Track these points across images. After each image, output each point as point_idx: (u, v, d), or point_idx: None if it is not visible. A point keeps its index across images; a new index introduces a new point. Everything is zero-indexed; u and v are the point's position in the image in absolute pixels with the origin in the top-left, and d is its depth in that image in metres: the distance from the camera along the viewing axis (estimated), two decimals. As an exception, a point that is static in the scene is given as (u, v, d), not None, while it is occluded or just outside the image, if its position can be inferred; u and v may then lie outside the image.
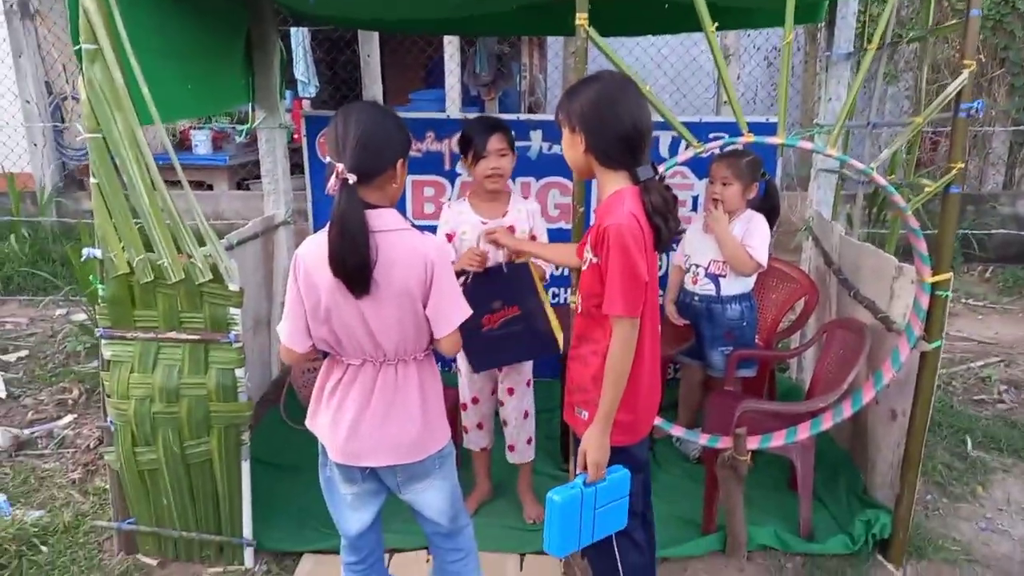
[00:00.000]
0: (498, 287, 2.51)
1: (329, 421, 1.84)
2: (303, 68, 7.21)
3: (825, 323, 3.10)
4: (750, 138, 2.23)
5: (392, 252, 1.69)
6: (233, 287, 2.28)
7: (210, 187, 7.50)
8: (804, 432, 2.48)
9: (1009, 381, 4.09)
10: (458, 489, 2.00)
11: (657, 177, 1.78)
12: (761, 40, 6.77)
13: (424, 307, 1.76)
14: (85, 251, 2.29)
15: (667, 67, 6.43)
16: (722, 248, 3.00)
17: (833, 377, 2.77)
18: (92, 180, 2.21)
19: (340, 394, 1.82)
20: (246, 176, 7.60)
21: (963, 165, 2.23)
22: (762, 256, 2.96)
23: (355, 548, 2.00)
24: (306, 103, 7.32)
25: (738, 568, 2.55)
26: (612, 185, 1.81)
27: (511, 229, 2.59)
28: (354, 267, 1.65)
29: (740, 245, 2.97)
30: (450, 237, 2.63)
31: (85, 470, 3.10)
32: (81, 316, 4.84)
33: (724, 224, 2.99)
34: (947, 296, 2.33)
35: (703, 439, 2.52)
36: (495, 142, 2.48)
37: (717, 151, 2.77)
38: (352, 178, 1.64)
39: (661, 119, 3.66)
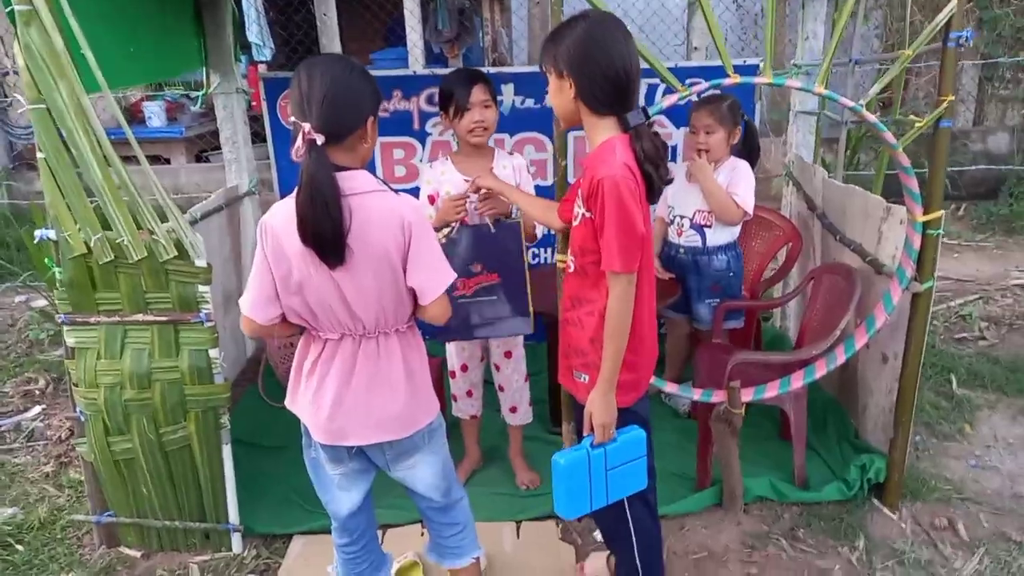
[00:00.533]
0: (482, 249, 2.39)
1: (310, 400, 1.73)
2: (256, 31, 6.88)
3: (811, 269, 3.05)
4: (737, 79, 2.13)
5: (366, 215, 1.57)
6: (200, 263, 2.15)
7: (167, 161, 7.22)
8: (798, 381, 2.45)
9: (988, 318, 4.11)
10: (450, 462, 1.93)
11: (647, 122, 1.67)
12: (729, -17, 6.62)
13: (404, 273, 1.64)
14: (38, 233, 2.14)
15: (635, 14, 6.25)
16: (708, 198, 2.92)
17: (822, 324, 2.74)
18: (39, 155, 2.06)
19: (320, 371, 1.71)
20: (204, 148, 7.34)
21: (953, 97, 2.16)
22: (749, 204, 2.88)
23: (347, 529, 1.92)
24: (262, 67, 7.04)
25: (735, 521, 2.53)
26: (602, 133, 1.70)
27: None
28: (326, 235, 1.52)
29: (727, 194, 2.89)
30: (432, 199, 2.51)
31: (58, 463, 2.97)
32: (41, 302, 4.65)
33: (709, 173, 2.91)
34: (939, 235, 2.28)
35: (696, 394, 2.47)
36: (478, 93, 2.35)
37: (695, 99, 2.67)
38: (320, 138, 1.51)
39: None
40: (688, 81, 3.37)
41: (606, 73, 1.63)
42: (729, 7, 6.71)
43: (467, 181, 2.46)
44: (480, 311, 2.44)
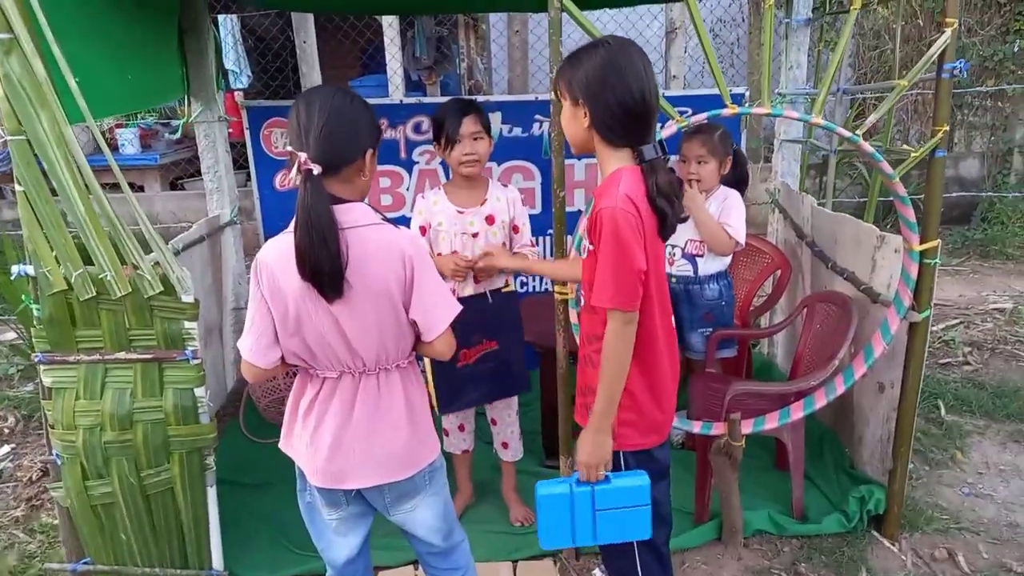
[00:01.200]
0: (483, 319, 2.39)
1: (307, 442, 1.66)
2: (234, 58, 6.85)
3: (804, 298, 3.05)
4: (735, 109, 2.12)
5: (364, 249, 1.52)
6: (187, 298, 2.07)
7: (141, 188, 7.09)
8: (798, 412, 2.42)
9: (971, 342, 4.15)
10: (451, 503, 1.86)
11: (662, 157, 1.61)
12: (705, 12, 6.73)
13: (407, 309, 1.59)
14: (15, 268, 2.04)
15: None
16: (700, 229, 2.91)
17: (817, 353, 2.72)
18: (17, 187, 1.97)
19: (317, 411, 1.64)
20: (179, 175, 7.23)
21: (947, 127, 2.18)
22: (741, 234, 2.87)
23: None
24: (238, 95, 6.98)
25: (736, 556, 2.48)
26: (613, 164, 1.64)
27: (490, 219, 2.44)
28: (324, 267, 1.47)
29: (719, 225, 2.88)
30: (423, 230, 2.46)
31: (28, 506, 2.84)
32: (10, 335, 4.48)
33: (701, 204, 2.90)
34: (936, 264, 2.28)
35: (696, 427, 2.44)
36: (468, 125, 2.33)
37: (687, 129, 2.67)
38: (316, 168, 1.46)
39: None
40: (680, 110, 3.41)
41: (624, 103, 1.56)
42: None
43: (460, 212, 2.42)
44: (482, 378, 2.47)
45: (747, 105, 2.36)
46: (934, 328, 4.32)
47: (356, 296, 1.53)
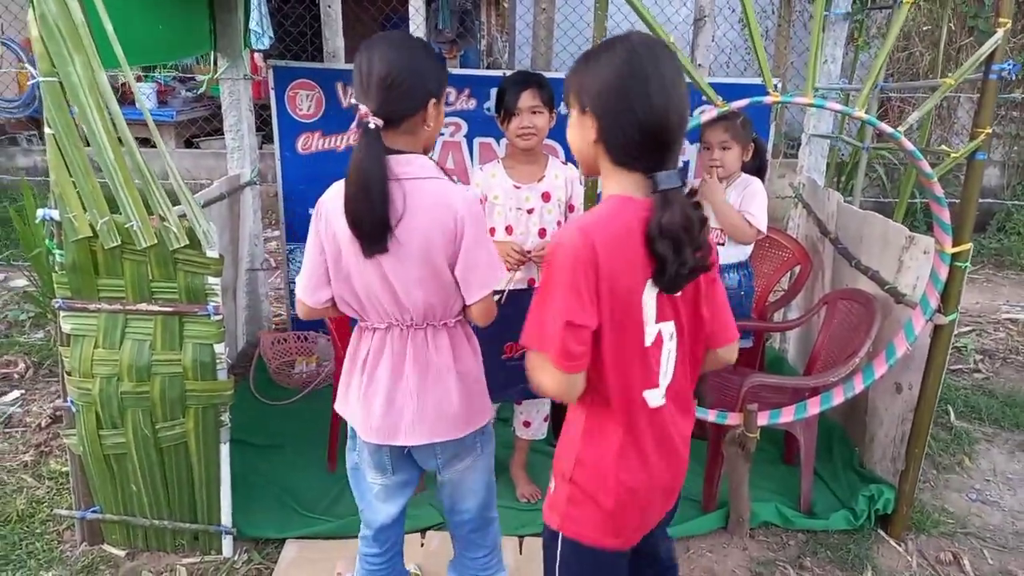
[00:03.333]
0: (512, 319, 2.37)
1: (360, 397, 1.67)
2: (257, 18, 6.77)
3: (825, 294, 3.03)
4: (777, 97, 2.09)
5: (418, 202, 1.51)
6: (212, 254, 2.05)
7: (154, 145, 7.06)
8: (815, 408, 2.41)
9: (983, 351, 4.14)
10: (494, 478, 1.86)
11: (686, 189, 1.27)
12: (736, 1, 6.64)
13: (452, 268, 1.57)
14: (40, 212, 2.03)
15: (640, 27, 6.26)
16: (720, 218, 2.88)
17: (836, 350, 2.71)
18: (47, 131, 1.95)
19: (370, 364, 1.65)
20: (196, 133, 7.19)
21: (991, 131, 2.15)
22: (762, 223, 2.85)
23: (377, 541, 1.84)
24: (258, 56, 6.92)
25: (742, 547, 2.48)
26: (612, 188, 1.32)
27: (546, 196, 2.43)
28: (366, 224, 1.48)
29: (739, 214, 2.85)
30: (480, 201, 2.45)
31: (37, 452, 2.84)
32: (21, 282, 4.48)
33: (721, 193, 2.87)
34: (966, 268, 2.26)
35: (711, 415, 2.42)
36: (527, 98, 2.32)
37: (710, 117, 2.63)
38: (377, 123, 1.46)
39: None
40: (703, 98, 3.36)
41: (642, 119, 1.24)
42: (735, 26, 6.74)
43: (517, 188, 2.42)
44: (523, 374, 2.42)
45: (786, 95, 2.32)
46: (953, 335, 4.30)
47: (403, 248, 1.53)
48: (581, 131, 1.32)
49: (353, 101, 1.50)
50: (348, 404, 1.72)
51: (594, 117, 1.28)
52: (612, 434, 1.34)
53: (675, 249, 1.23)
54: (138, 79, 7.35)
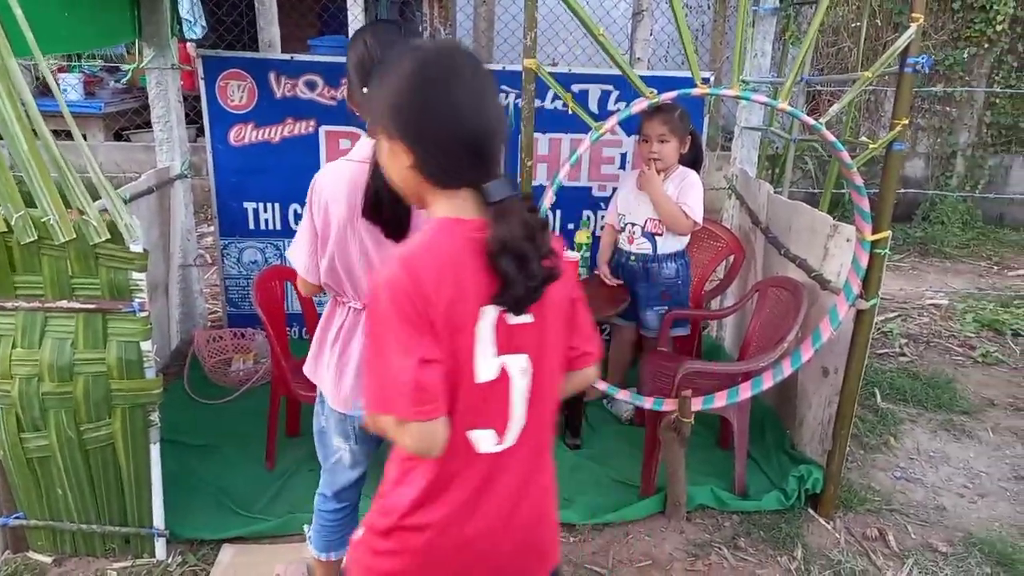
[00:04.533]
0: None
1: (332, 366, 1.73)
2: (188, 6, 6.58)
3: (757, 282, 3.11)
4: (705, 90, 2.14)
5: None
6: (136, 248, 1.99)
7: (84, 137, 6.79)
8: (746, 392, 2.48)
9: (908, 335, 4.31)
10: None
11: (516, 195, 1.13)
12: (672, -3, 6.76)
13: None
14: (-51, 207, 1.93)
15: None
16: (658, 209, 2.94)
17: (766, 336, 2.79)
18: (-46, 121, 1.85)
19: (343, 339, 1.71)
20: (124, 126, 6.95)
21: (907, 122, 2.23)
22: (698, 214, 2.92)
23: (337, 498, 1.91)
24: (191, 46, 6.72)
25: (679, 530, 2.54)
26: (440, 212, 1.16)
27: None
28: (397, 212, 1.46)
29: (676, 205, 2.91)
30: None
31: (-45, 458, 2.71)
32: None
33: (658, 185, 2.92)
34: (885, 254, 2.35)
35: (648, 402, 2.47)
36: None
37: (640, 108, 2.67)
38: None
39: (594, 72, 3.58)
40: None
41: (452, 130, 1.11)
42: (671, 20, 6.84)
43: None
44: None
45: (713, 88, 2.38)
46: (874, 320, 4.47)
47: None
48: (394, 160, 1.16)
49: (364, 90, 1.51)
50: (318, 371, 1.78)
51: (402, 141, 1.13)
52: (422, 478, 1.16)
53: (519, 263, 1.09)
54: (62, 69, 7.05)
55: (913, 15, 2.14)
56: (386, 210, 1.45)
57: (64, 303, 2.01)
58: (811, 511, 2.63)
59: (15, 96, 1.84)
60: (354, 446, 1.82)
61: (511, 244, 1.08)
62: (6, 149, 1.90)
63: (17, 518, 2.20)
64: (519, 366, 1.16)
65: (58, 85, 6.74)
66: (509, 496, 1.20)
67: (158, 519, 2.24)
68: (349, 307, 1.70)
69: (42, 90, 6.63)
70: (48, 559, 2.25)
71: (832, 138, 2.18)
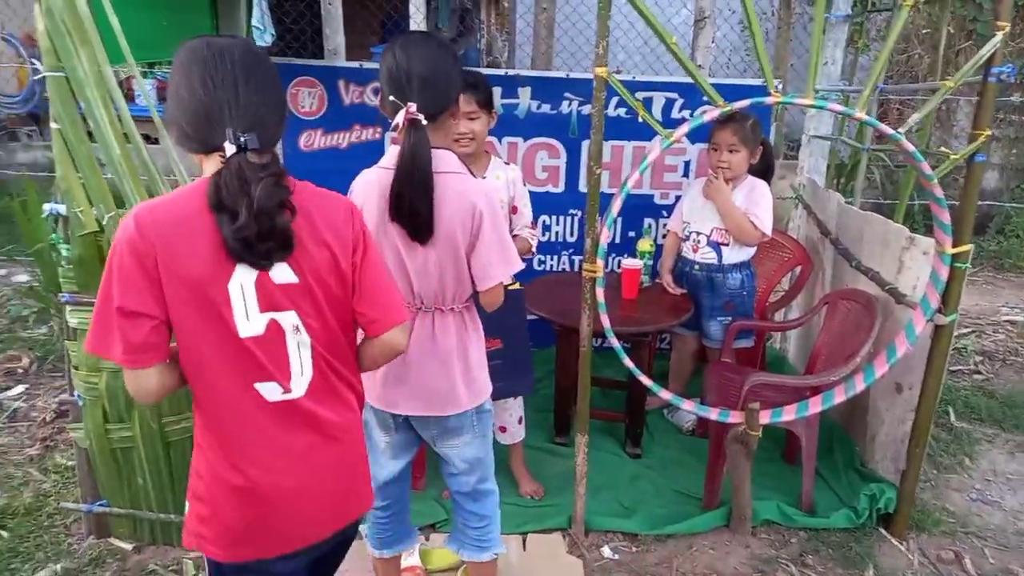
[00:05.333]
0: (486, 316, 2.35)
1: None
2: (258, 15, 6.78)
3: (826, 294, 3.04)
4: (779, 97, 2.11)
5: (443, 195, 1.60)
6: (218, 249, 2.06)
7: (155, 141, 7.04)
8: (816, 407, 2.42)
9: (983, 352, 4.16)
10: (491, 453, 1.92)
11: (246, 150, 1.18)
12: (736, 3, 6.66)
13: (468, 258, 1.66)
14: (47, 207, 2.04)
15: (640, 27, 6.27)
16: (725, 219, 2.90)
17: (836, 349, 2.72)
18: (53, 125, 1.96)
19: None
20: (197, 130, 7.18)
21: (990, 133, 2.16)
22: (767, 225, 2.87)
23: (382, 494, 1.93)
24: (260, 54, 6.91)
25: (744, 544, 2.50)
26: (205, 175, 1.24)
27: None
28: (422, 213, 1.56)
29: (744, 215, 2.87)
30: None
31: (43, 445, 2.84)
32: (23, 277, 4.49)
33: (727, 195, 2.89)
34: (966, 268, 2.28)
35: (713, 414, 2.44)
36: (462, 104, 2.12)
37: (712, 117, 2.63)
38: (423, 120, 1.54)
39: (658, 80, 3.56)
40: (704, 98, 3.37)
41: (189, 106, 1.21)
42: (735, 27, 6.75)
43: None
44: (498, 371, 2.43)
45: (787, 96, 2.33)
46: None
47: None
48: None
49: (390, 98, 1.55)
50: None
51: (169, 122, 1.25)
52: (211, 432, 1.27)
53: (231, 216, 1.15)
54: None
55: (999, 23, 2.07)
56: (408, 212, 1.55)
57: (150, 300, 2.09)
58: (882, 531, 2.56)
59: (109, 102, 1.94)
60: (395, 436, 1.85)
61: (223, 198, 1.15)
62: (99, 152, 1.99)
63: (101, 505, 2.30)
64: (290, 322, 1.25)
65: (124, 93, 7.05)
66: (306, 443, 1.30)
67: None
68: None
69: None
70: (128, 546, 2.34)
71: (912, 148, 2.13)
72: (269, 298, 1.23)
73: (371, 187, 1.64)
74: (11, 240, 5.14)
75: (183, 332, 1.21)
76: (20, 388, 3.28)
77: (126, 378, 1.21)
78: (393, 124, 1.56)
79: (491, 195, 1.68)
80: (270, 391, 1.26)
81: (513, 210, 2.50)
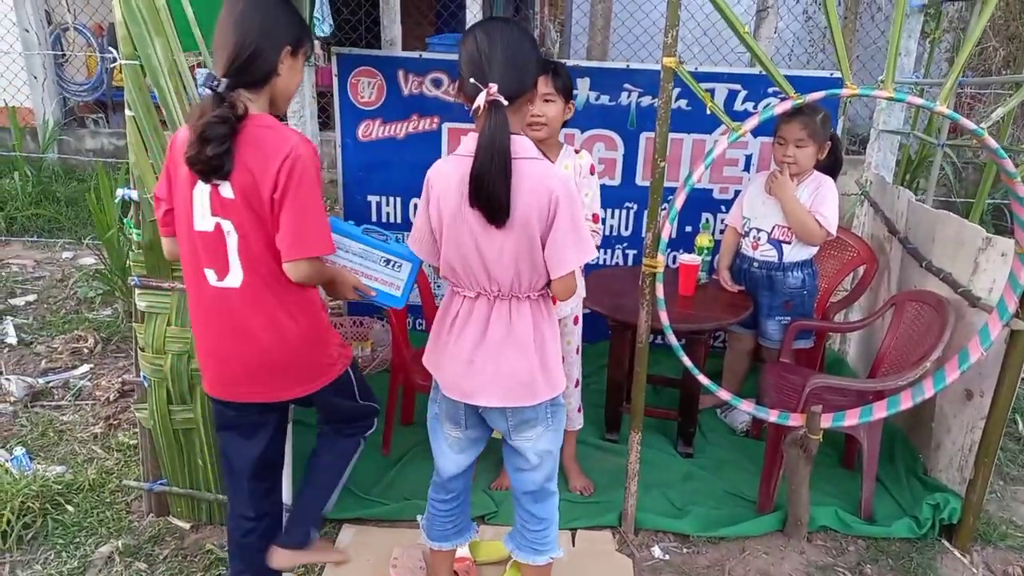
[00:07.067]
0: None
1: (446, 355, 1.78)
2: (318, 4, 6.87)
3: (893, 295, 2.94)
4: (855, 91, 2.03)
5: (519, 181, 1.58)
6: (281, 237, 2.08)
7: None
8: (880, 412, 2.35)
9: (1055, 359, 3.97)
10: (558, 453, 1.92)
11: (214, 91, 1.57)
12: (797, -7, 6.47)
13: (543, 244, 1.64)
14: (120, 192, 2.09)
15: (700, 17, 6.13)
16: (788, 217, 2.82)
17: (903, 353, 2.63)
18: (128, 112, 2.01)
19: (457, 328, 1.76)
20: (258, 118, 7.33)
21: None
22: (833, 224, 2.78)
23: (446, 488, 1.96)
24: (316, 43, 7.01)
25: (799, 550, 2.44)
26: None
27: None
28: (500, 197, 1.56)
29: (808, 213, 2.79)
30: None
31: (107, 424, 2.94)
32: (89, 260, 4.64)
33: (791, 192, 2.80)
34: (1048, 272, 2.17)
35: (772, 415, 2.38)
36: (540, 85, 2.18)
37: (784, 109, 2.54)
38: (504, 101, 1.54)
39: (721, 71, 3.48)
40: (769, 89, 3.28)
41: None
42: (798, 18, 6.57)
43: None
44: None
45: (864, 88, 2.23)
46: (1015, 341, 4.14)
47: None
48: None
49: (471, 80, 1.55)
50: (433, 358, 1.83)
51: None
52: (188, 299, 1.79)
53: (195, 143, 1.55)
54: (200, 64, 7.51)
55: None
56: (487, 194, 1.55)
57: (214, 286, 2.13)
58: (945, 542, 2.47)
59: (183, 91, 1.98)
60: (464, 432, 1.86)
61: (190, 122, 1.59)
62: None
63: (162, 484, 2.36)
64: (227, 228, 1.64)
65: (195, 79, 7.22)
66: (234, 324, 1.71)
67: (287, 495, 2.34)
68: (464, 297, 1.73)
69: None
70: (186, 525, 2.40)
71: (995, 145, 2.03)
72: (219, 207, 1.63)
73: (450, 174, 1.64)
74: (78, 224, 5.33)
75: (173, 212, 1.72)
76: (85, 368, 3.40)
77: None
78: (473, 108, 1.56)
79: (568, 181, 1.66)
80: (210, 276, 1.68)
81: None
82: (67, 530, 2.36)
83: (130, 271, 2.18)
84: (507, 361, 1.71)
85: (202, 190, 1.61)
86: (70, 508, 2.44)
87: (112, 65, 6.67)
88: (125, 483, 2.51)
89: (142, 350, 2.20)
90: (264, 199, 1.60)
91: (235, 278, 1.67)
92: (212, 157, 1.54)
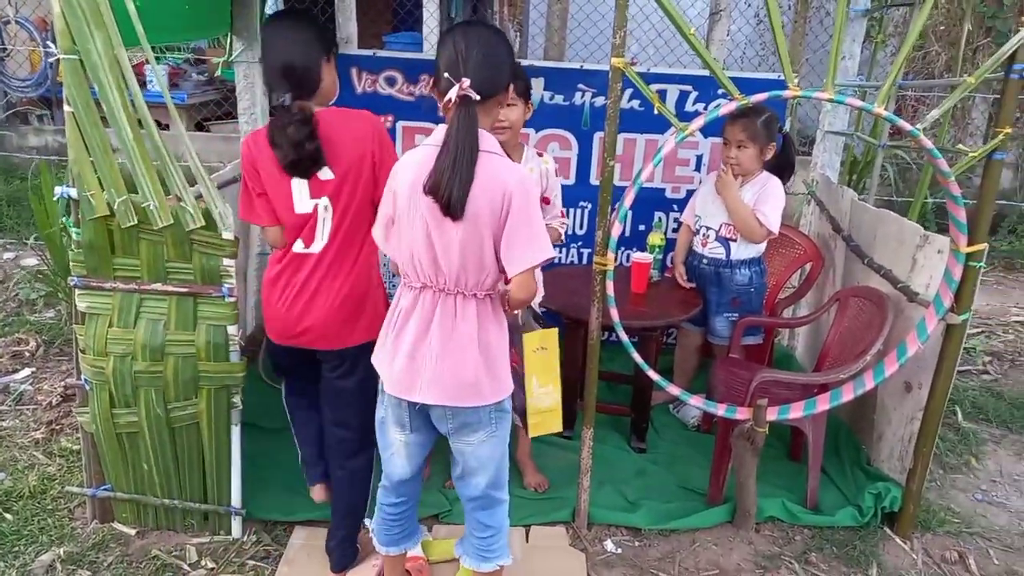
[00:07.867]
0: None
1: (389, 348, 1.77)
2: (271, 2, 6.77)
3: (837, 291, 3.02)
4: (797, 92, 2.09)
5: (477, 174, 1.59)
6: (228, 235, 2.05)
7: (166, 127, 7.05)
8: (824, 404, 2.41)
9: (992, 352, 4.13)
10: (506, 460, 1.89)
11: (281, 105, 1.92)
12: (750, -2, 6.60)
13: (496, 242, 1.64)
14: (58, 190, 2.03)
15: (655, 19, 6.21)
16: (732, 215, 2.88)
17: (846, 347, 2.71)
18: (66, 108, 1.95)
19: (401, 320, 1.75)
20: (207, 116, 7.18)
21: (1010, 130, 2.13)
22: (774, 223, 2.85)
23: (395, 492, 1.95)
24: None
25: (747, 541, 2.49)
26: None
27: None
28: (456, 191, 1.56)
29: (750, 212, 2.85)
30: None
31: (49, 429, 2.85)
32: (32, 260, 4.50)
33: (734, 190, 2.87)
34: (980, 267, 2.25)
35: (720, 409, 2.43)
36: None
37: (728, 111, 2.59)
38: (476, 96, 1.56)
39: (673, 72, 3.53)
40: (719, 91, 3.33)
41: (269, 64, 2.00)
42: (750, 21, 6.69)
43: None
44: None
45: (805, 90, 2.30)
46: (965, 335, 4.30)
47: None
48: None
49: (444, 76, 1.58)
50: (379, 354, 1.82)
51: None
52: (277, 262, 2.07)
53: (279, 147, 1.89)
54: (146, 61, 7.34)
55: (1023, 19, 2.04)
56: (446, 185, 1.56)
57: (159, 286, 2.10)
58: (887, 530, 2.55)
59: (123, 86, 1.93)
60: (410, 435, 1.84)
61: (274, 134, 1.90)
62: (112, 137, 1.99)
63: (105, 490, 2.30)
64: (323, 204, 1.95)
65: (145, 77, 7.02)
66: (314, 284, 2.00)
67: (236, 498, 2.31)
68: (411, 288, 1.73)
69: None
70: (132, 531, 2.35)
71: (930, 145, 2.10)
72: (317, 189, 1.94)
73: (411, 165, 1.66)
74: (20, 223, 5.16)
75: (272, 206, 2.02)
76: (27, 371, 3.30)
77: (265, 234, 2.11)
78: (444, 101, 1.57)
79: (525, 179, 1.67)
80: (298, 245, 1.99)
81: (545, 201, 2.49)
82: (5, 539, 2.28)
83: (71, 271, 2.12)
84: (450, 359, 1.69)
85: (301, 181, 1.92)
86: (8, 516, 2.37)
87: (53, 59, 6.47)
88: (67, 489, 2.44)
89: (83, 352, 2.14)
90: (366, 166, 1.94)
91: (318, 245, 1.98)
92: (315, 151, 1.85)
